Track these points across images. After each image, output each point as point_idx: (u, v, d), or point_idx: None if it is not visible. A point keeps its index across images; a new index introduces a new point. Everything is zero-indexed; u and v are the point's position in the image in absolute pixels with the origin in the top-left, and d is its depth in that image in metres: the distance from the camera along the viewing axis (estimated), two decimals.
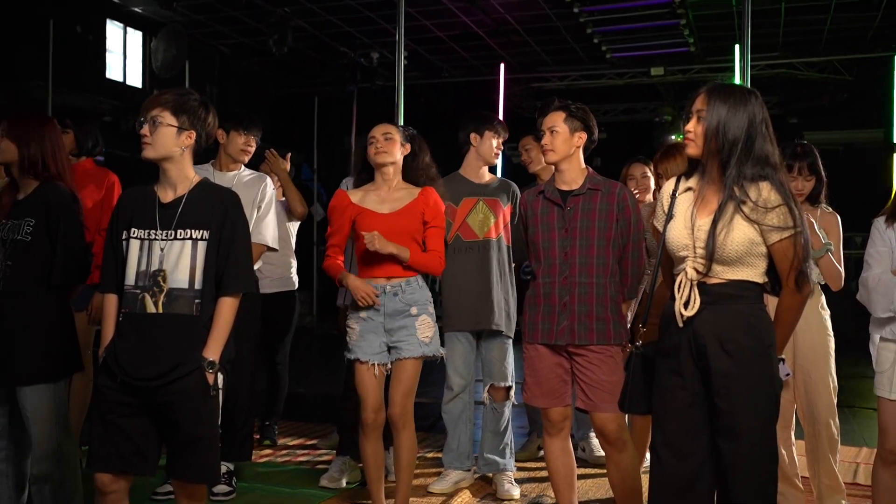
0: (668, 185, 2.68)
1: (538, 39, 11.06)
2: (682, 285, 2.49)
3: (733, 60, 10.37)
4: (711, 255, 2.44)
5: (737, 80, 10.39)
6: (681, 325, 2.47)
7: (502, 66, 11.18)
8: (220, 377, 2.61)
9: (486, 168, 4.23)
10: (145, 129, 2.61)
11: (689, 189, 2.59)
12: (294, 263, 5.11)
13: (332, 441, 5.09)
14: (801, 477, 3.78)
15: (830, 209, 3.79)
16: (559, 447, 3.36)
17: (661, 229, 2.66)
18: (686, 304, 2.46)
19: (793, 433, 3.80)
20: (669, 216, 2.59)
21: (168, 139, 2.61)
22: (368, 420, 3.46)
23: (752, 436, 2.40)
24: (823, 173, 3.76)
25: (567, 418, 3.35)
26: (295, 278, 5.13)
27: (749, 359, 2.42)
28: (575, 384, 3.29)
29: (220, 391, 2.62)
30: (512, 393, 4.21)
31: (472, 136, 4.19)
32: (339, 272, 3.49)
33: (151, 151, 2.62)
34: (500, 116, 11.09)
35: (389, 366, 3.47)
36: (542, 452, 4.81)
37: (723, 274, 2.47)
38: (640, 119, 12.90)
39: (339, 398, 4.58)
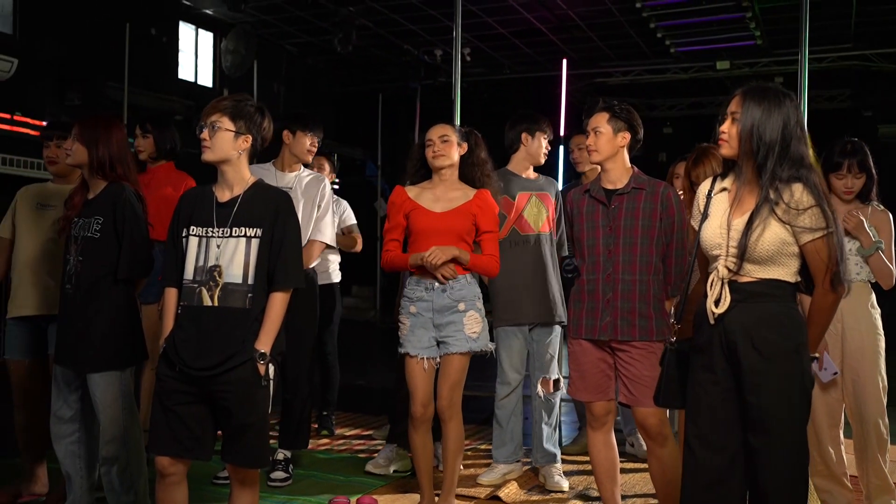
0: (705, 186, 2.73)
1: (601, 34, 11.03)
2: (714, 283, 2.54)
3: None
4: (743, 253, 2.48)
5: (799, 74, 10.23)
6: (712, 321, 2.52)
7: (564, 61, 11.18)
8: (272, 368, 2.76)
9: (532, 167, 4.31)
10: (205, 134, 2.77)
11: (724, 189, 2.63)
12: (334, 259, 5.26)
13: (386, 431, 5.22)
14: (850, 476, 3.76)
15: (882, 207, 3.76)
16: (602, 440, 3.42)
17: (696, 228, 2.71)
18: (717, 302, 2.51)
19: (841, 432, 3.78)
20: (705, 216, 2.63)
21: (226, 143, 2.77)
22: (417, 413, 3.57)
23: (782, 432, 2.43)
24: (874, 170, 3.73)
25: (610, 412, 3.41)
26: (336, 273, 5.27)
27: (778, 356, 2.45)
28: (618, 379, 3.35)
29: (272, 381, 2.77)
30: (562, 384, 4.29)
31: (524, 135, 4.25)
32: (402, 260, 3.59)
33: (210, 154, 2.79)
34: (562, 112, 11.13)
35: (439, 360, 3.58)
36: None
37: (754, 273, 2.51)
38: (706, 113, 12.72)
39: (393, 389, 4.71)
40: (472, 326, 3.52)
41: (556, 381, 4.25)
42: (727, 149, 2.56)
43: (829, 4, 9.27)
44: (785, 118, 2.49)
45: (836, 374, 3.67)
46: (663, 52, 11.28)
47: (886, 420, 3.74)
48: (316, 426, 5.15)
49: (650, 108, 12.91)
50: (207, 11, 10.98)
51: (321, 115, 4.29)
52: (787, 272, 2.53)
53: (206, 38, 11.43)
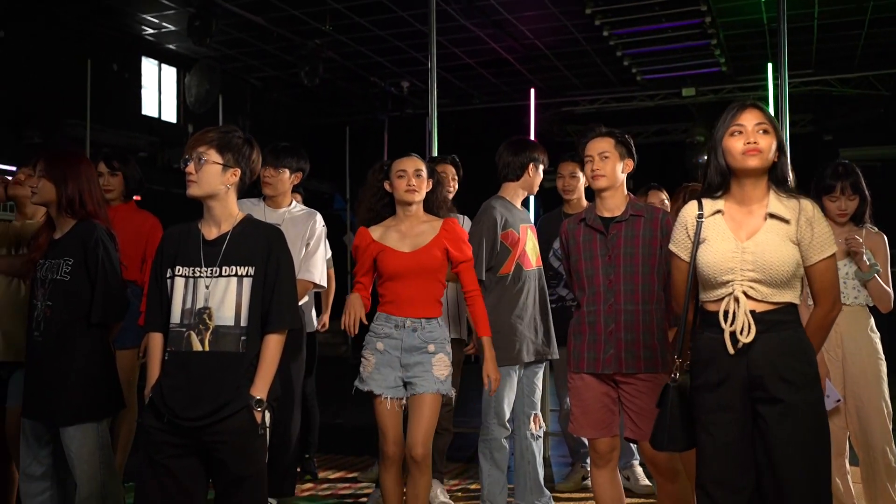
0: (690, 210, 2.63)
1: (568, 63, 11.07)
2: (732, 311, 2.44)
3: (766, 79, 10.32)
4: (763, 276, 2.41)
5: (770, 99, 10.35)
6: (732, 352, 2.42)
7: (532, 90, 11.18)
8: (268, 415, 2.59)
9: (522, 198, 4.18)
10: (190, 167, 2.62)
11: (717, 212, 2.56)
12: (311, 303, 5.07)
13: (372, 474, 5.04)
14: None
15: (876, 229, 3.73)
16: (607, 478, 3.29)
17: (683, 256, 2.63)
18: (740, 331, 2.42)
19: (847, 461, 3.70)
20: (698, 241, 2.55)
21: (213, 177, 2.62)
22: (389, 453, 3.40)
23: (814, 464, 2.35)
24: (867, 192, 3.70)
25: (615, 449, 3.29)
26: (314, 319, 5.08)
27: (806, 385, 2.40)
28: (623, 413, 3.24)
29: (268, 429, 2.61)
30: (541, 420, 4.17)
31: (532, 166, 4.06)
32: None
33: (196, 189, 2.63)
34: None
35: (405, 401, 3.43)
36: (585, 482, 4.74)
37: (770, 297, 2.44)
38: (671, 140, 12.80)
39: (376, 430, 4.52)
40: (441, 369, 3.38)
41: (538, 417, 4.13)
42: (760, 161, 2.49)
43: (790, 32, 9.39)
44: None
45: (839, 401, 3.60)
46: (630, 80, 11.35)
47: (894, 447, 3.67)
48: (299, 470, 4.95)
49: None
50: (170, 46, 10.81)
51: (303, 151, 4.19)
52: (795, 295, 2.49)
53: (170, 73, 11.25)
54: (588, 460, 4.76)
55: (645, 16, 8.72)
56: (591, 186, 3.37)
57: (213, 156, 2.62)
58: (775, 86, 10.28)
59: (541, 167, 4.12)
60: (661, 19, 8.90)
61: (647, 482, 4.67)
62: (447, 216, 3.56)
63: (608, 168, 3.25)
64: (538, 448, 4.12)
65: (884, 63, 10.62)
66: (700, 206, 2.59)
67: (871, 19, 9.26)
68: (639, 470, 4.76)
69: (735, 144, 2.50)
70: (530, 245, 4.04)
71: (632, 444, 4.42)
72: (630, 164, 3.31)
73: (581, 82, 11.88)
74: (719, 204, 2.57)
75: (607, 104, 12.05)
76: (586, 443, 4.63)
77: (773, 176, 2.54)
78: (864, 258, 3.56)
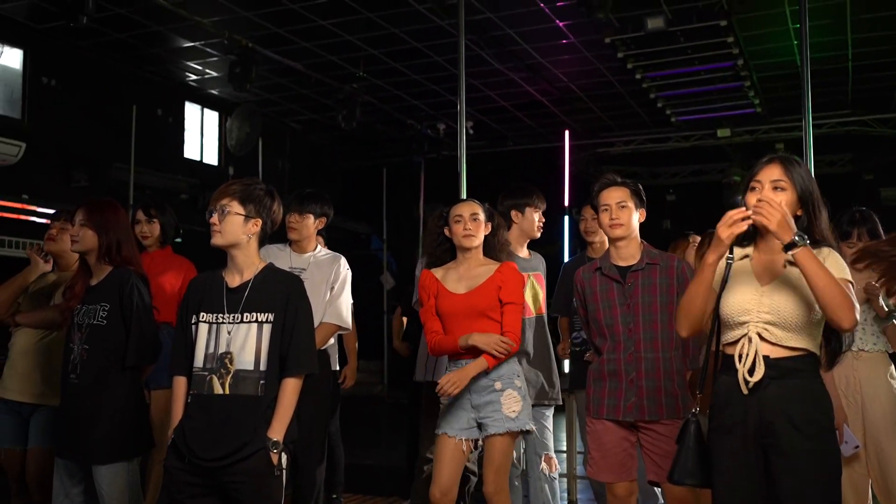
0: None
1: (602, 105, 11.17)
2: (745, 352, 2.48)
3: (801, 119, 10.31)
4: (777, 319, 2.44)
5: (805, 140, 10.30)
6: (745, 391, 2.45)
7: (567, 132, 11.31)
8: (284, 457, 2.68)
9: (526, 243, 4.23)
10: (214, 218, 2.74)
11: (746, 257, 2.60)
12: (336, 345, 5.13)
13: None
14: None
15: None
16: None
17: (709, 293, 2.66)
18: (751, 371, 2.46)
19: None
20: (724, 283, 2.59)
21: (236, 227, 2.74)
22: (434, 498, 3.40)
23: None
24: (884, 237, 3.70)
25: (633, 493, 3.31)
26: (335, 356, 5.13)
27: (819, 435, 2.40)
28: (644, 457, 3.26)
29: (284, 471, 2.69)
30: (555, 462, 4.17)
31: (514, 213, 4.15)
32: (450, 343, 3.41)
33: (220, 239, 2.76)
34: (566, 182, 11.19)
35: (481, 442, 3.43)
36: None
37: (785, 341, 2.46)
38: (708, 180, 12.79)
39: (405, 470, 4.55)
40: (511, 405, 3.36)
41: (549, 459, 4.15)
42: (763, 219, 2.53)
43: (826, 73, 9.41)
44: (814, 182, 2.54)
45: (857, 447, 3.58)
46: (664, 122, 11.40)
47: None
48: None
49: (653, 177, 12.98)
50: (213, 91, 11.15)
51: (327, 190, 4.27)
52: (813, 343, 2.49)
53: (212, 117, 11.58)
54: None
55: (677, 59, 8.78)
56: (608, 235, 3.42)
57: (236, 207, 2.75)
58: (813, 126, 10.31)
59: (527, 209, 4.15)
60: (694, 62, 8.95)
61: None
62: (507, 259, 3.60)
63: (626, 217, 3.30)
64: (553, 490, 4.13)
65: None
66: (731, 251, 2.64)
67: None
68: None
69: (750, 200, 2.55)
70: (530, 293, 4.06)
71: (656, 489, 4.42)
72: (643, 214, 3.36)
73: (615, 124, 11.95)
74: (748, 250, 2.62)
75: (643, 145, 12.11)
76: None
77: (798, 227, 2.50)
78: (881, 302, 3.56)
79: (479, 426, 3.40)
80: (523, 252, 4.21)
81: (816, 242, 2.49)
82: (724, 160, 12.41)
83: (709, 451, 2.55)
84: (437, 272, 3.56)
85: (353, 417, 5.35)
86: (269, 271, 2.81)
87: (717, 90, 9.91)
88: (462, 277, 3.50)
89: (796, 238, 2.36)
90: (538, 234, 4.24)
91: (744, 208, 2.46)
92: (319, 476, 4.13)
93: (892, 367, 3.66)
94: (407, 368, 5.35)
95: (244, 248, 2.77)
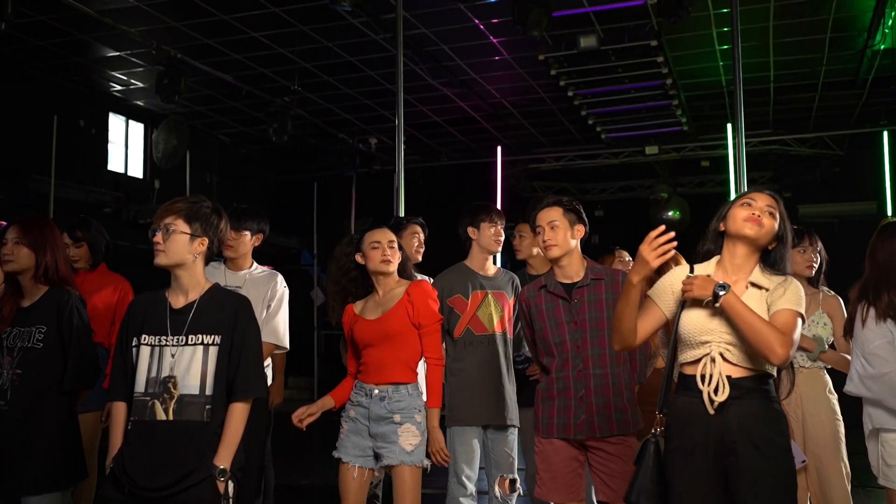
0: (681, 272, 2.71)
1: (534, 122, 11.27)
2: (709, 373, 2.50)
3: (726, 138, 10.60)
4: (738, 339, 2.47)
5: (730, 158, 10.60)
6: (711, 412, 2.47)
7: (499, 148, 11.37)
8: (231, 485, 2.58)
9: (490, 259, 4.24)
10: (158, 237, 2.63)
11: (707, 276, 2.63)
12: (269, 362, 5.03)
13: None
14: None
15: (832, 292, 3.82)
16: None
17: (659, 304, 2.68)
18: (715, 391, 2.48)
19: None
20: (684, 302, 2.61)
21: (181, 246, 2.64)
22: None
23: None
24: (824, 252, 3.79)
25: None
26: (270, 376, 5.02)
27: (778, 454, 2.44)
28: (593, 477, 3.25)
29: (231, 500, 2.59)
30: (518, 484, 4.15)
31: (470, 229, 4.19)
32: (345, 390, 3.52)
33: (164, 258, 2.65)
34: (499, 198, 11.24)
35: (377, 472, 3.42)
36: None
37: (744, 362, 2.49)
38: (636, 196, 13.02)
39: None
40: (408, 439, 3.35)
41: (513, 482, 4.12)
42: (756, 233, 2.59)
43: (750, 94, 9.68)
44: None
45: (804, 462, 3.65)
46: (594, 139, 11.56)
47: None
48: None
49: (582, 192, 13.14)
50: (139, 102, 10.85)
51: (256, 204, 4.16)
52: (770, 364, 2.52)
53: (137, 128, 11.26)
54: None
55: (608, 77, 8.92)
56: (546, 256, 3.43)
57: (181, 226, 2.65)
58: (733, 145, 10.61)
59: (482, 225, 4.18)
60: (625, 80, 9.11)
61: None
62: (414, 278, 3.59)
63: (559, 237, 3.31)
64: None
65: (837, 125, 10.97)
66: (692, 270, 2.67)
67: (824, 83, 9.59)
68: None
69: (740, 212, 2.60)
70: (487, 311, 4.07)
71: None
72: (581, 230, 3.36)
73: (547, 140, 12.08)
74: (710, 270, 2.65)
75: (572, 161, 12.26)
76: None
77: (767, 260, 2.62)
78: (812, 342, 3.65)
79: (376, 456, 3.39)
80: (488, 269, 4.21)
81: (784, 273, 2.56)
82: (651, 177, 12.66)
83: (666, 472, 2.55)
84: (357, 305, 3.56)
85: (283, 436, 5.21)
86: (216, 292, 2.71)
87: (646, 108, 10.11)
88: (379, 304, 3.50)
89: (717, 290, 2.49)
90: (497, 249, 4.24)
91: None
92: (257, 501, 4.02)
93: (830, 381, 3.75)
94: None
95: (189, 268, 2.67)
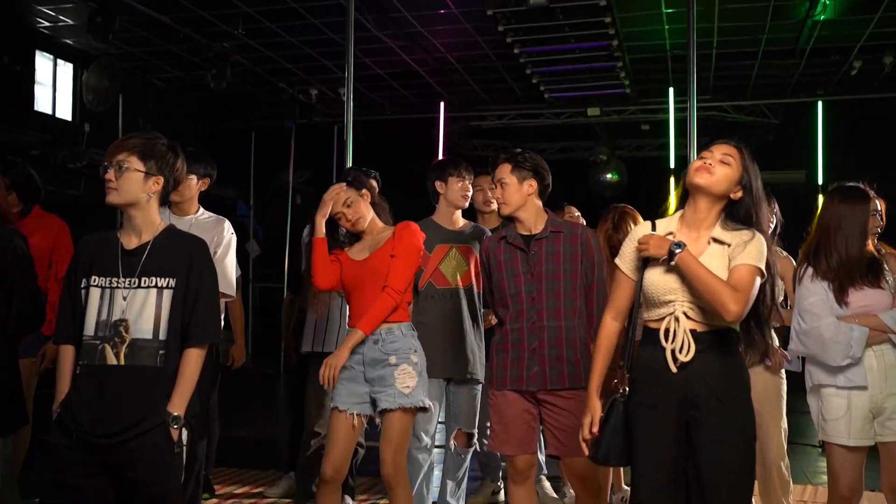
0: (643, 229, 2.70)
1: (478, 79, 11.17)
2: (672, 331, 2.51)
3: (667, 102, 10.71)
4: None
5: (671, 122, 10.71)
6: (674, 370, 2.48)
7: (442, 104, 11.27)
8: (185, 433, 2.50)
9: (458, 213, 4.21)
10: (110, 174, 2.51)
11: (669, 234, 2.63)
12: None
13: (279, 488, 4.95)
14: None
15: (785, 253, 3.89)
16: (525, 495, 3.32)
17: (628, 272, 2.68)
18: (680, 350, 2.49)
19: None
20: (647, 261, 2.61)
21: (134, 185, 2.52)
22: (326, 475, 3.31)
23: (738, 488, 2.43)
24: (780, 214, 3.84)
25: (533, 465, 3.33)
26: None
27: (740, 408, 2.47)
28: (545, 430, 3.27)
29: (185, 447, 2.51)
30: (475, 440, 4.16)
31: (438, 183, 4.17)
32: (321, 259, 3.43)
33: (116, 197, 2.52)
34: (440, 154, 11.16)
35: (378, 419, 3.35)
36: (496, 497, 4.78)
37: (708, 320, 2.50)
38: (576, 158, 13.09)
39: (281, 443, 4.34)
40: (404, 381, 3.28)
41: (470, 436, 4.12)
42: (706, 181, 2.56)
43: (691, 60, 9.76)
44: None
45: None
46: (537, 98, 11.53)
47: (787, 461, 3.84)
48: None
49: None
50: (68, 41, 10.37)
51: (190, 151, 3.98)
52: None
53: (66, 69, 10.77)
54: (499, 475, 4.81)
55: (555, 35, 8.88)
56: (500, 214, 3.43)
57: (135, 163, 2.52)
58: (677, 109, 10.70)
59: (450, 179, 4.16)
60: (571, 40, 9.08)
61: (554, 495, 4.73)
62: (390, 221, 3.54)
63: (508, 194, 3.31)
64: (458, 465, 4.16)
65: (774, 93, 11.17)
66: (654, 227, 2.66)
67: (765, 51, 9.72)
68: (546, 484, 4.81)
69: (695, 163, 2.59)
70: (451, 264, 4.05)
71: (540, 458, 4.48)
72: (534, 184, 3.35)
73: (490, 98, 12.01)
74: (672, 226, 2.64)
75: (514, 120, 12.23)
76: (498, 458, 4.69)
77: (731, 212, 2.59)
78: None
79: (373, 401, 3.32)
80: (455, 223, 4.18)
81: (752, 226, 2.56)
82: (591, 139, 12.73)
83: (628, 422, 2.57)
84: (347, 250, 3.48)
85: (221, 388, 5.13)
86: (171, 233, 2.61)
87: (590, 69, 10.11)
88: (365, 246, 3.45)
89: (673, 248, 2.49)
90: (465, 204, 4.23)
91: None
92: (200, 451, 3.94)
93: (777, 340, 3.82)
94: (274, 338, 5.20)
95: (143, 208, 2.56)
